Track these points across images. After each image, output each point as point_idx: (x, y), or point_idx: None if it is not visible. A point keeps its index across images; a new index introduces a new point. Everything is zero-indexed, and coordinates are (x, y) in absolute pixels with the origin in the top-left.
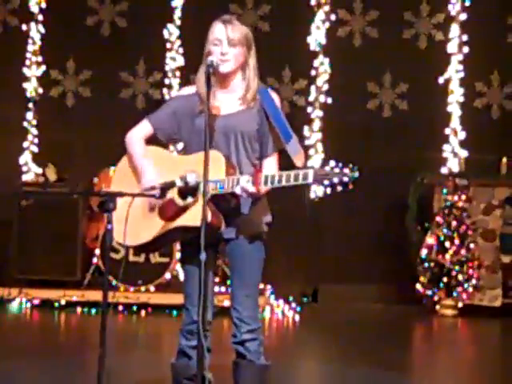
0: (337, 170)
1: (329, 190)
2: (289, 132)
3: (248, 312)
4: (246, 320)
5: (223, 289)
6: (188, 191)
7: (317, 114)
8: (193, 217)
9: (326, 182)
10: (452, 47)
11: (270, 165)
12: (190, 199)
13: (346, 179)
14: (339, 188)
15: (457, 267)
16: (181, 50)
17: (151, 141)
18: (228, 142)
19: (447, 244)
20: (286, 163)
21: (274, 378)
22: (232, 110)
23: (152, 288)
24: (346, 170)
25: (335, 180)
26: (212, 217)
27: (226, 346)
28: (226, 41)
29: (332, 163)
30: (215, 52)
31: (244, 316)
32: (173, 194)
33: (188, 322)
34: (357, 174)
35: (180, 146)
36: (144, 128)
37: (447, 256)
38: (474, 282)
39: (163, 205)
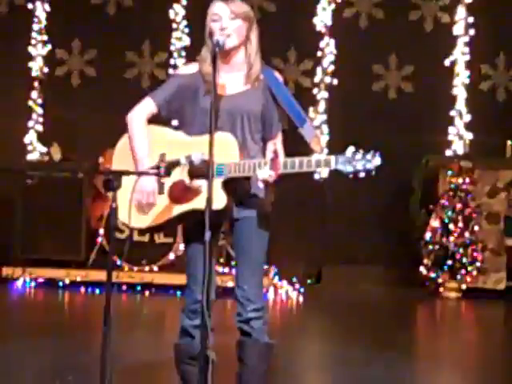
0: (359, 156)
1: (351, 177)
2: (301, 115)
3: (253, 290)
4: (252, 298)
5: (227, 269)
6: (199, 173)
7: (322, 95)
8: (204, 200)
9: (350, 169)
10: (458, 29)
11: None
12: (199, 181)
13: (369, 166)
14: (362, 175)
15: (461, 250)
16: (186, 30)
17: (153, 118)
18: (234, 123)
19: (451, 226)
20: (299, 146)
21: (277, 358)
22: (237, 89)
23: (156, 268)
24: (369, 156)
25: (359, 167)
26: (227, 200)
27: (229, 325)
28: (226, 15)
29: (352, 149)
30: (215, 28)
31: (249, 294)
32: (183, 175)
33: (191, 301)
34: (379, 161)
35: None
36: (147, 106)
37: (451, 238)
38: (477, 264)
39: (173, 187)
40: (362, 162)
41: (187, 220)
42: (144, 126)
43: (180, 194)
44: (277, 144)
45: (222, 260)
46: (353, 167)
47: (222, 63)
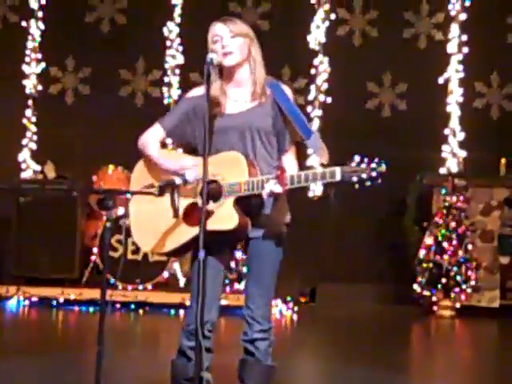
0: (363, 166)
1: (357, 187)
2: (307, 128)
3: (261, 311)
4: (259, 319)
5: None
6: (211, 195)
7: (316, 113)
8: (220, 220)
9: (355, 179)
10: (452, 47)
11: (290, 160)
12: (212, 203)
13: (374, 174)
14: (368, 184)
15: (455, 268)
16: (180, 48)
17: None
18: (244, 141)
19: (445, 244)
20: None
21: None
22: (245, 107)
23: (150, 286)
24: (374, 165)
25: (364, 176)
26: (239, 219)
27: (233, 344)
28: (226, 34)
29: (356, 159)
30: (217, 48)
31: (257, 315)
32: (196, 198)
33: (192, 321)
34: (383, 168)
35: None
36: (156, 132)
37: (445, 256)
38: (472, 282)
39: (187, 210)
40: (366, 170)
41: (206, 241)
42: (158, 145)
43: (194, 216)
44: (289, 158)
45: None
46: (358, 177)
47: (227, 82)
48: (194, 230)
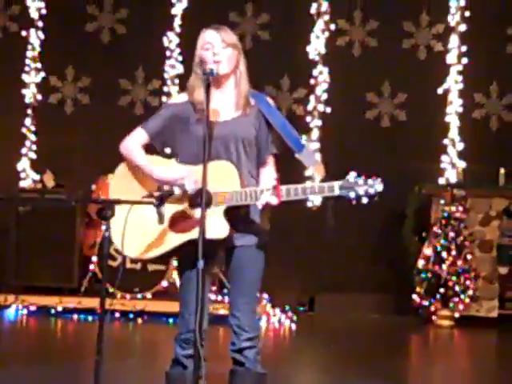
0: (361, 182)
1: (354, 203)
2: (299, 140)
3: (246, 319)
4: (246, 328)
5: (220, 297)
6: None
7: (315, 123)
8: (211, 229)
9: (352, 195)
10: (451, 58)
11: (269, 172)
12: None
13: (371, 191)
14: (364, 200)
15: (454, 278)
16: (180, 58)
17: (147, 149)
18: (228, 150)
19: (444, 254)
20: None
21: None
22: (229, 116)
23: (149, 295)
24: (371, 181)
25: (361, 192)
26: (230, 230)
27: (222, 354)
28: (218, 43)
29: (353, 174)
30: (207, 56)
31: (243, 323)
32: (184, 206)
33: (184, 330)
34: (381, 186)
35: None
36: (139, 137)
37: (444, 267)
38: (470, 292)
39: (174, 217)
40: (364, 187)
41: (187, 249)
42: (141, 150)
43: (181, 223)
44: (268, 170)
45: (214, 288)
46: (355, 192)
47: (213, 90)
48: (180, 238)
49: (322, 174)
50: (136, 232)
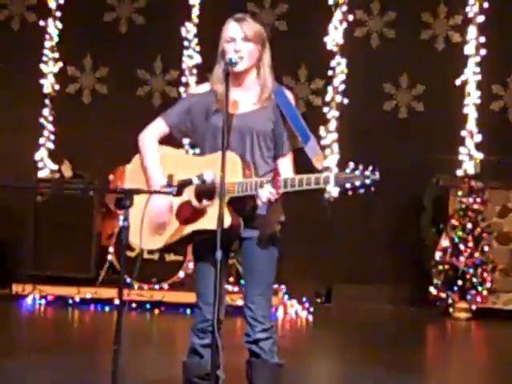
0: (357, 173)
1: (350, 193)
2: (307, 133)
3: (262, 311)
4: (260, 319)
5: (236, 288)
6: (205, 193)
7: (333, 114)
8: (210, 220)
9: (348, 186)
10: (469, 49)
11: (286, 165)
12: (206, 202)
13: (367, 181)
14: (361, 191)
15: (471, 270)
16: (198, 48)
17: (165, 139)
18: (243, 142)
19: (462, 246)
20: (306, 164)
21: (286, 378)
22: (248, 108)
23: (166, 286)
24: (367, 173)
25: (357, 183)
26: (232, 220)
27: (239, 344)
28: (240, 37)
29: (351, 165)
30: (229, 49)
31: (258, 315)
32: (190, 196)
33: (200, 320)
34: (377, 176)
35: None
36: (159, 127)
37: (461, 259)
38: (488, 285)
39: (180, 207)
40: (360, 178)
41: (195, 240)
42: (155, 145)
43: (187, 214)
44: (286, 162)
45: (231, 279)
46: (351, 183)
47: (233, 84)
48: (186, 229)
49: (321, 164)
50: (145, 222)
